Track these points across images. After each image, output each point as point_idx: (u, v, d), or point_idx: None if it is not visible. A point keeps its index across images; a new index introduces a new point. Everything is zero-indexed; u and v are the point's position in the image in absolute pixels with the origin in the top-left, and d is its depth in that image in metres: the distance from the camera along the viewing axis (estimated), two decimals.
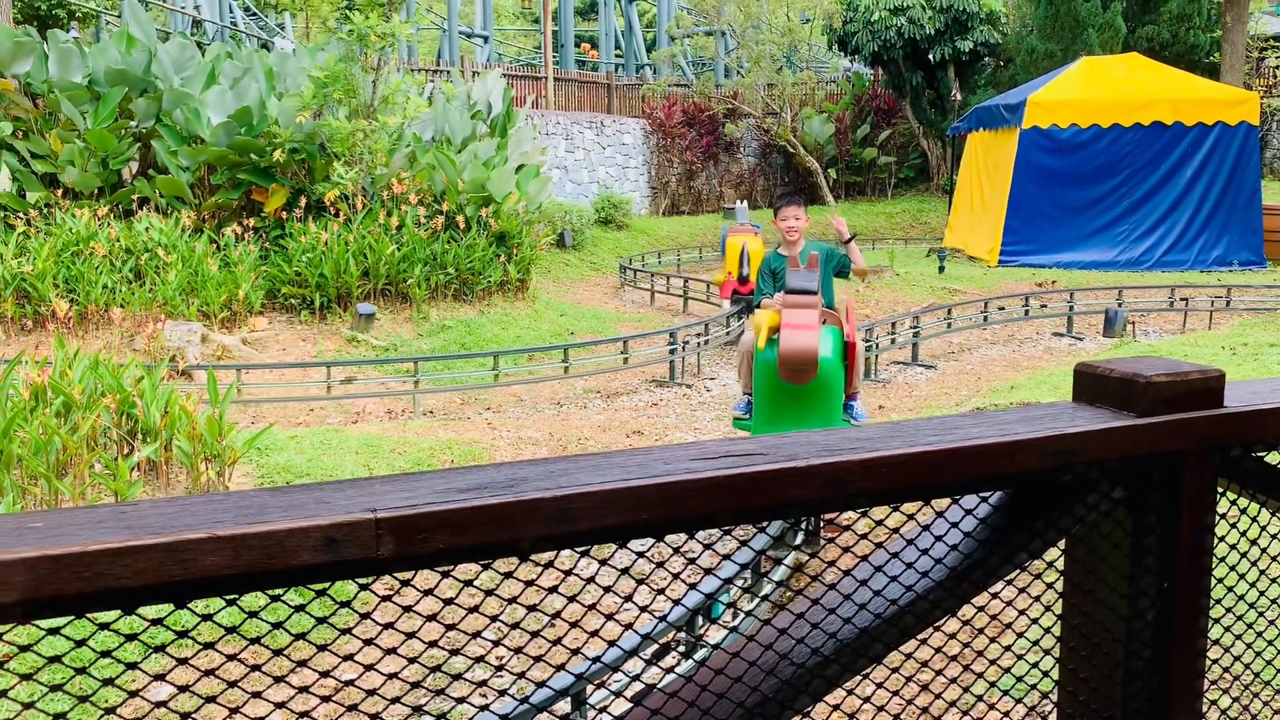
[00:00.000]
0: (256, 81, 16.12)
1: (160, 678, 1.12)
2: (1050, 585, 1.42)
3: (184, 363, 11.56)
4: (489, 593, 1.14)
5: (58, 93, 15.13)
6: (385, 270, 14.93)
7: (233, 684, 1.11)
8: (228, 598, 1.08)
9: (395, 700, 1.14)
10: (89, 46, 16.23)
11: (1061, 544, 1.42)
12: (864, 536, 1.27)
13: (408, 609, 1.13)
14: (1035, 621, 1.39)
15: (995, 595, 1.38)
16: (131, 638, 1.05)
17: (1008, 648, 1.37)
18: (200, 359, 12.06)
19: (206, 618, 1.06)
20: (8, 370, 6.85)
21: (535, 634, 1.23)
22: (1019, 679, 1.40)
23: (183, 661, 1.07)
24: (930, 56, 27.75)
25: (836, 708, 1.30)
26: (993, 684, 1.39)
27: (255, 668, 1.11)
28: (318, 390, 11.54)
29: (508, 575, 1.15)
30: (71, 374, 6.92)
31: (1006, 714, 1.41)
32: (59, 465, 6.41)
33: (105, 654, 1.07)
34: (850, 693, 1.30)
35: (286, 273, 14.62)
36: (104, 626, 1.03)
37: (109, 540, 1.02)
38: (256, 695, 1.16)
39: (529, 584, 1.17)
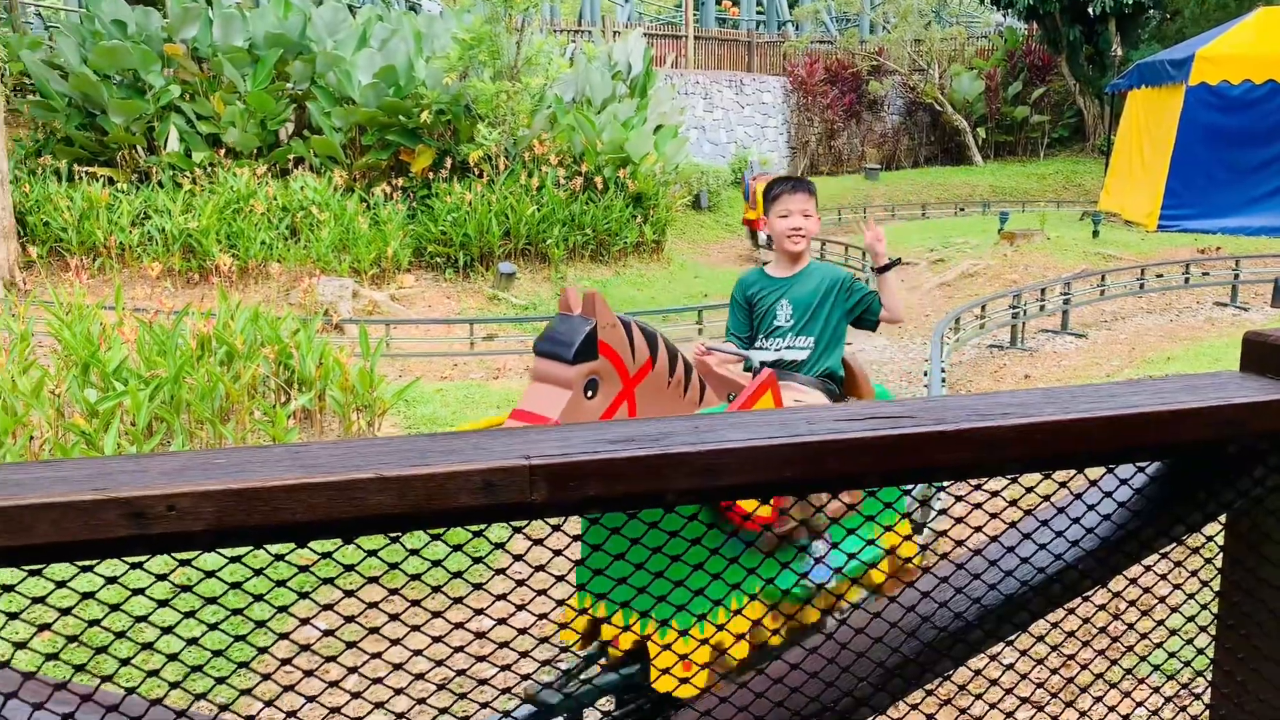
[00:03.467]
0: (405, 44, 16.54)
1: (328, 608, 1.19)
2: (1209, 560, 1.37)
3: (337, 317, 12.08)
4: (634, 541, 1.17)
5: (221, 56, 15.86)
6: (525, 230, 15.20)
7: (394, 617, 1.18)
8: (390, 535, 1.14)
9: (544, 640, 1.19)
10: (249, 11, 16.93)
11: (1223, 518, 1.37)
12: (1013, 503, 1.25)
13: (558, 553, 1.17)
14: (1191, 597, 1.35)
15: (1149, 568, 1.34)
16: (304, 569, 1.12)
17: (1160, 622, 1.33)
18: (351, 314, 12.57)
19: (371, 553, 1.13)
20: (177, 320, 7.30)
21: (678, 584, 1.26)
22: (1171, 655, 1.36)
23: (350, 594, 1.13)
24: (1090, 9, 26.35)
25: (979, 673, 1.29)
26: (1143, 658, 1.35)
27: (414, 603, 1.18)
28: (461, 346, 11.89)
29: (653, 525, 1.18)
30: (234, 325, 7.32)
31: (1156, 690, 1.37)
32: (222, 411, 6.80)
33: (280, 584, 1.14)
34: (993, 659, 1.29)
35: (432, 232, 15.05)
36: (279, 558, 1.10)
37: (285, 477, 1.08)
38: (415, 629, 1.23)
39: (672, 534, 1.20)
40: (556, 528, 1.18)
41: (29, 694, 1.12)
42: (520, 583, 1.17)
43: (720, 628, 2.27)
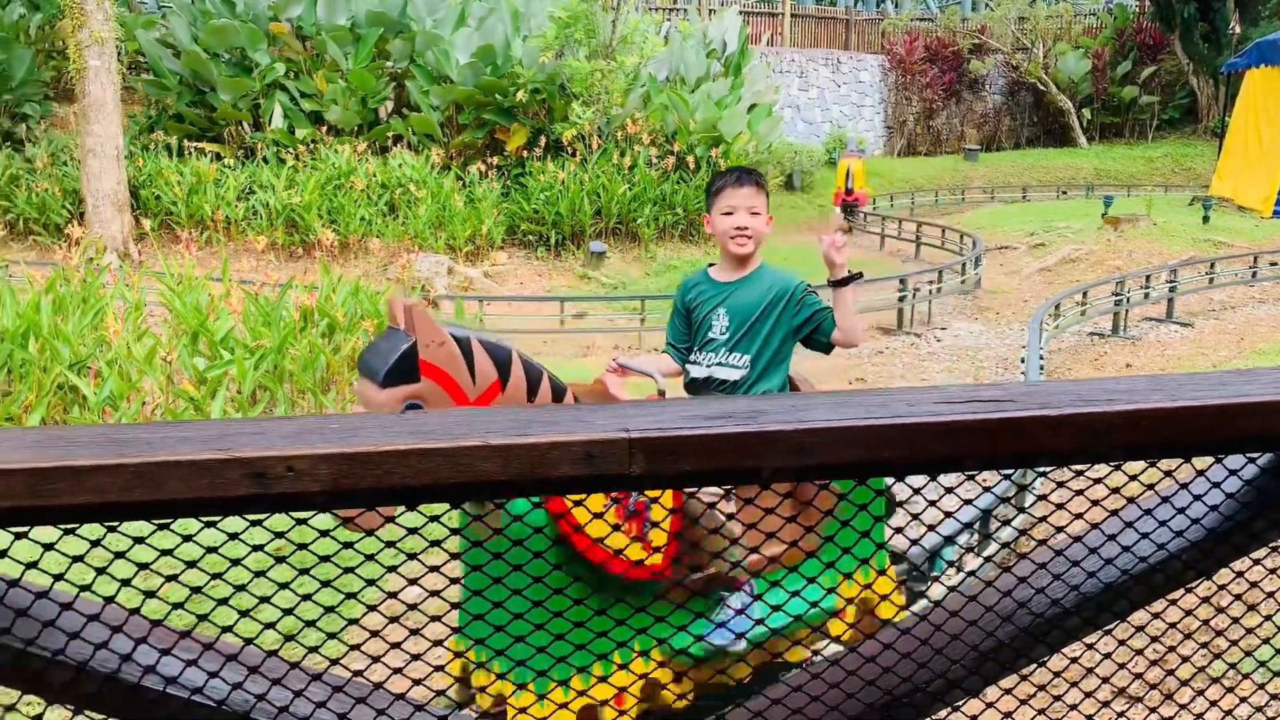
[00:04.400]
0: (502, 23, 16.69)
1: (435, 569, 1.24)
2: None
3: (433, 292, 12.31)
4: (731, 516, 1.18)
5: (324, 34, 16.22)
6: (616, 209, 15.26)
7: (497, 580, 1.22)
8: (496, 502, 1.18)
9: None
10: None
11: None
12: (1116, 490, 1.23)
13: (655, 524, 1.20)
14: None
15: (1257, 562, 1.31)
16: (413, 531, 1.17)
17: (1268, 618, 1.30)
18: (446, 289, 12.80)
19: (477, 518, 1.16)
20: (281, 293, 7.53)
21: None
22: (1278, 652, 1.33)
23: (456, 557, 1.17)
24: None
25: (1075, 661, 1.28)
26: (1248, 654, 1.32)
27: (517, 567, 1.22)
28: (551, 324, 12.01)
29: (749, 501, 1.20)
30: (335, 299, 7.53)
31: (1261, 687, 1.34)
32: (323, 381, 7.00)
33: (390, 544, 1.19)
34: (1090, 647, 1.28)
35: (525, 210, 15.22)
36: (389, 519, 1.15)
37: (397, 443, 1.13)
38: (518, 592, 1.26)
39: (768, 512, 1.21)
40: (654, 500, 1.20)
41: (157, 640, 1.19)
42: (619, 552, 1.20)
43: (583, 693, 2.11)
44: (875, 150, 26.95)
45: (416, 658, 1.20)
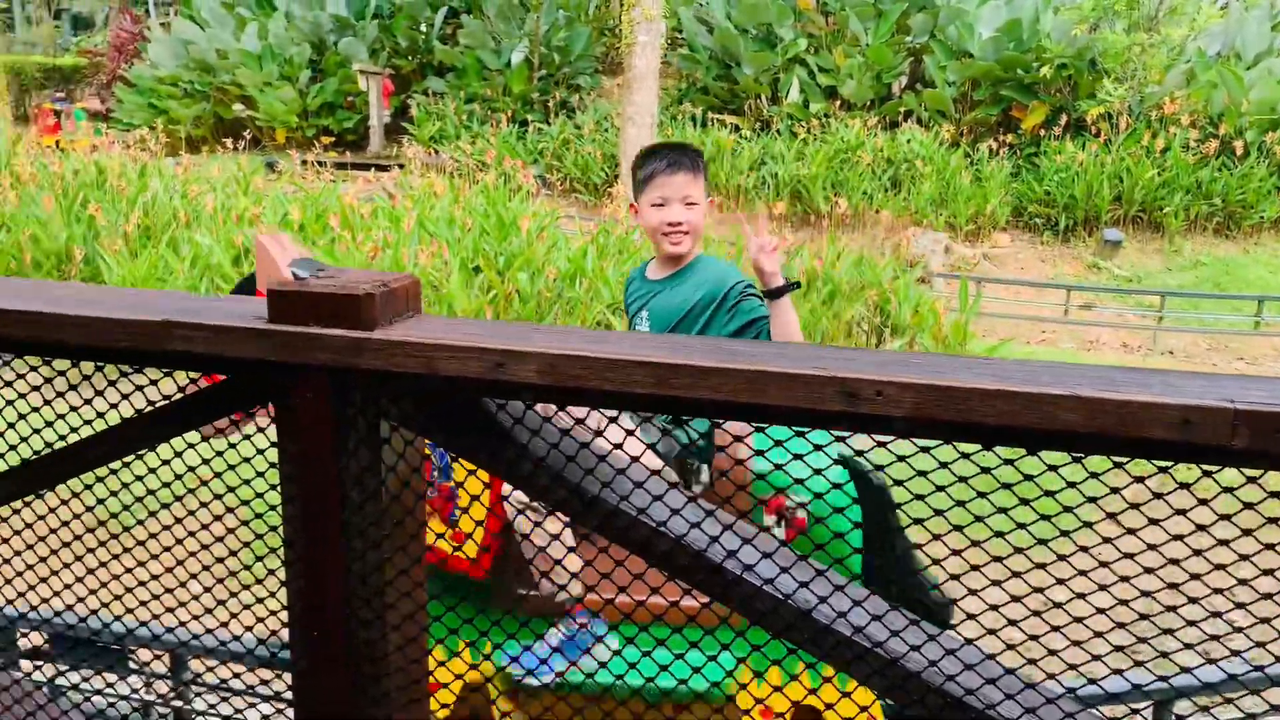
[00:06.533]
0: None
1: (981, 519, 1.26)
2: None
3: (930, 271, 12.18)
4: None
5: (847, 9, 16.50)
6: (1140, 196, 13.97)
7: (1043, 541, 1.21)
8: (1073, 455, 1.17)
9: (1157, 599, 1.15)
10: None
11: None
12: None
13: (1249, 505, 1.12)
14: None
15: None
16: (985, 470, 1.20)
17: None
18: (941, 269, 12.58)
19: (1052, 468, 1.17)
20: (791, 258, 7.88)
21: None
22: None
23: (1025, 502, 1.19)
24: None
25: None
26: None
27: (1066, 530, 1.20)
28: (1054, 312, 11.37)
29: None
30: (839, 267, 7.74)
31: None
32: (822, 345, 7.27)
33: (962, 479, 1.23)
34: None
35: (1035, 191, 14.45)
36: (964, 456, 1.19)
37: (980, 382, 1.16)
38: (1064, 558, 1.25)
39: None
40: (1253, 479, 1.12)
41: (739, 530, 1.34)
42: (1205, 527, 1.14)
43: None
44: None
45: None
